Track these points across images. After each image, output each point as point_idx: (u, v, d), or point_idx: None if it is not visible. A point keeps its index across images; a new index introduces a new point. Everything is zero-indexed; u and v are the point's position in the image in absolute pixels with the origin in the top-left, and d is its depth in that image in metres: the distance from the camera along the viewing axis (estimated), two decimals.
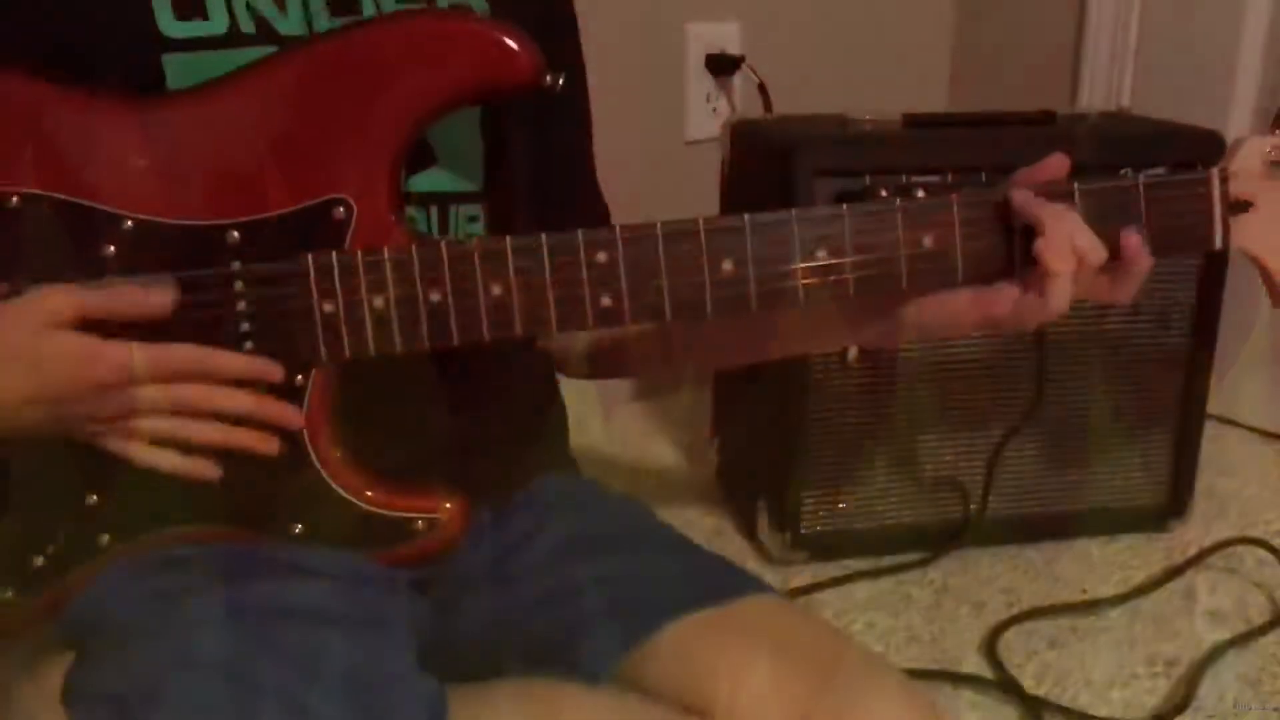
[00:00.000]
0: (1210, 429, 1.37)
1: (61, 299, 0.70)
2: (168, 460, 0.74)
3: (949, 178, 0.73)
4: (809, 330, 0.86)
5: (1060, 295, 0.73)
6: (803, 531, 1.28)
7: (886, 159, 1.16)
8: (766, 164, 1.21)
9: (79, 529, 0.76)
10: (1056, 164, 0.77)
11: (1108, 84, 1.69)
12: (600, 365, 0.97)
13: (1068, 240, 0.73)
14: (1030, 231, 0.74)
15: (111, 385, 0.70)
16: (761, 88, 1.68)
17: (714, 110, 1.73)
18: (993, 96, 1.85)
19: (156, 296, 0.72)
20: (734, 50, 1.71)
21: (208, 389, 0.73)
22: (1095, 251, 0.74)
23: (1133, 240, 0.75)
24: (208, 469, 0.75)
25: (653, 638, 0.77)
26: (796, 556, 1.29)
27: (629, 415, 1.76)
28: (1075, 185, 0.75)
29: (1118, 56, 1.67)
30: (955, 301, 0.77)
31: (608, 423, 1.73)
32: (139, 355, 0.71)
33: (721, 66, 1.71)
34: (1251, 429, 1.67)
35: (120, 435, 0.74)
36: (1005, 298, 0.75)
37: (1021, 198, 0.74)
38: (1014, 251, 0.75)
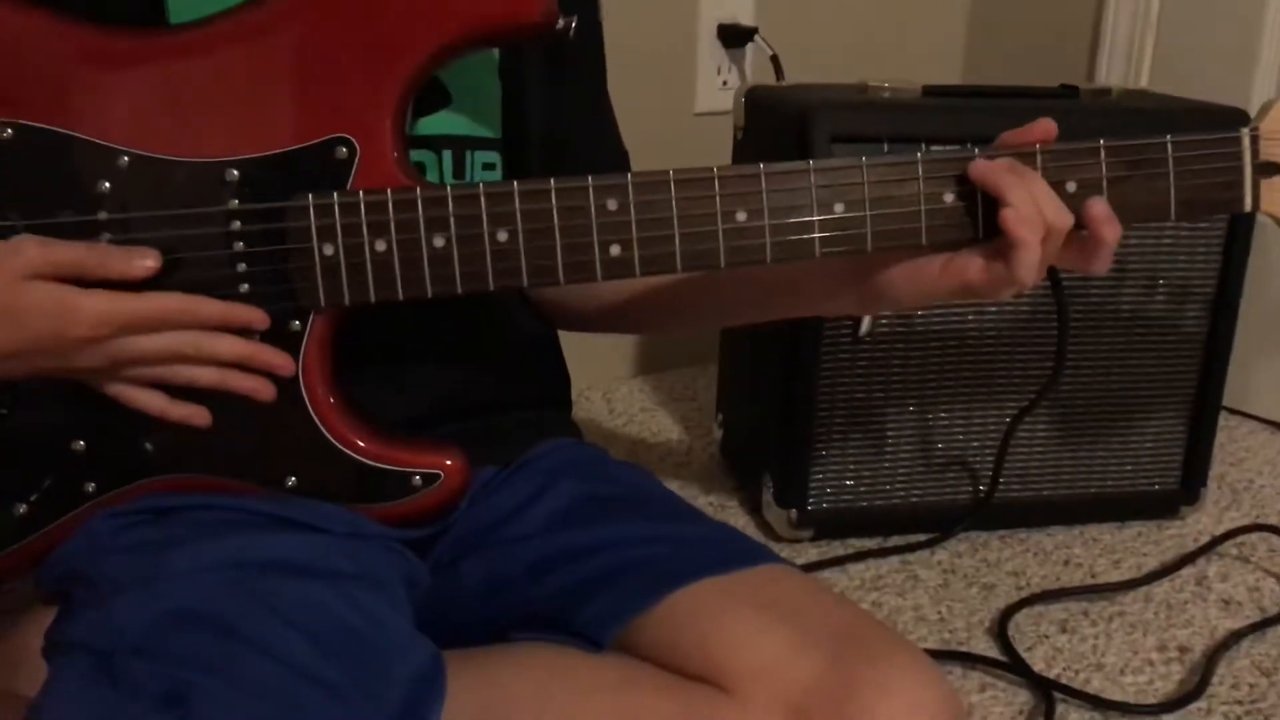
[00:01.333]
0: (1220, 420, 1.35)
1: (35, 251, 0.67)
2: (156, 403, 0.72)
3: (971, 148, 0.71)
4: (780, 294, 0.84)
5: (1026, 265, 0.71)
6: (809, 508, 1.25)
7: (906, 126, 1.13)
8: (782, 130, 1.18)
9: (63, 476, 0.74)
10: (1042, 129, 0.75)
11: (1126, 60, 1.66)
12: (611, 317, 0.94)
13: (1033, 207, 0.71)
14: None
15: (91, 339, 0.68)
16: (774, 59, 1.65)
17: (724, 83, 1.70)
18: (1008, 72, 1.83)
19: (140, 267, 0.69)
20: (747, 21, 1.68)
21: (195, 335, 0.71)
22: (1061, 218, 0.71)
23: (1098, 208, 0.72)
24: (198, 414, 0.72)
25: (660, 604, 0.74)
26: (802, 534, 1.27)
27: (630, 390, 1.74)
28: (1038, 147, 0.73)
29: (1138, 31, 1.64)
30: (928, 268, 0.75)
31: (610, 398, 1.71)
32: (118, 306, 0.68)
33: (733, 38, 1.68)
34: (1263, 420, 1.64)
35: (108, 378, 0.71)
36: (974, 265, 0.73)
37: (981, 168, 0.72)
38: (977, 219, 0.73)
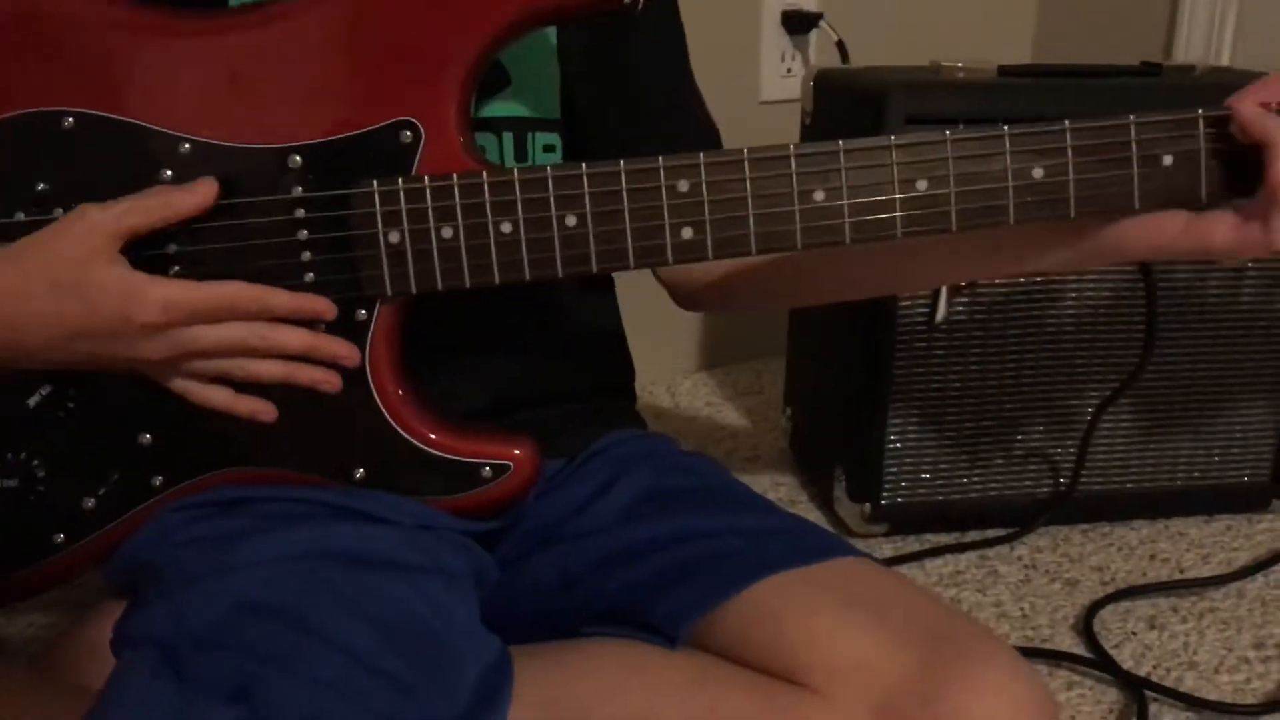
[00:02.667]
0: None
1: (97, 215, 0.66)
2: (222, 398, 0.70)
3: (1064, 123, 0.68)
4: (971, 251, 0.78)
5: None
6: (883, 502, 1.22)
7: (983, 107, 1.09)
8: (854, 113, 1.15)
9: (131, 469, 0.73)
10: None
11: (1207, 36, 1.60)
12: (725, 293, 0.90)
13: None
14: (1241, 156, 0.67)
15: (158, 326, 0.67)
16: (840, 45, 1.61)
17: (789, 71, 1.67)
18: (1080, 51, 1.77)
19: (199, 194, 0.69)
20: (811, 7, 1.65)
21: (260, 326, 0.69)
22: None
23: None
24: (264, 408, 0.71)
25: (736, 598, 0.72)
26: (876, 529, 1.23)
27: (696, 384, 1.71)
28: (1276, 104, 0.68)
29: (1219, 6, 1.57)
30: (1168, 226, 0.70)
31: (674, 392, 1.68)
32: (185, 294, 0.67)
33: (798, 24, 1.65)
34: None
35: (173, 372, 0.70)
36: (1223, 226, 0.69)
37: (1249, 112, 0.67)
38: (1227, 176, 0.68)
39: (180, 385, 0.71)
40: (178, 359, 0.69)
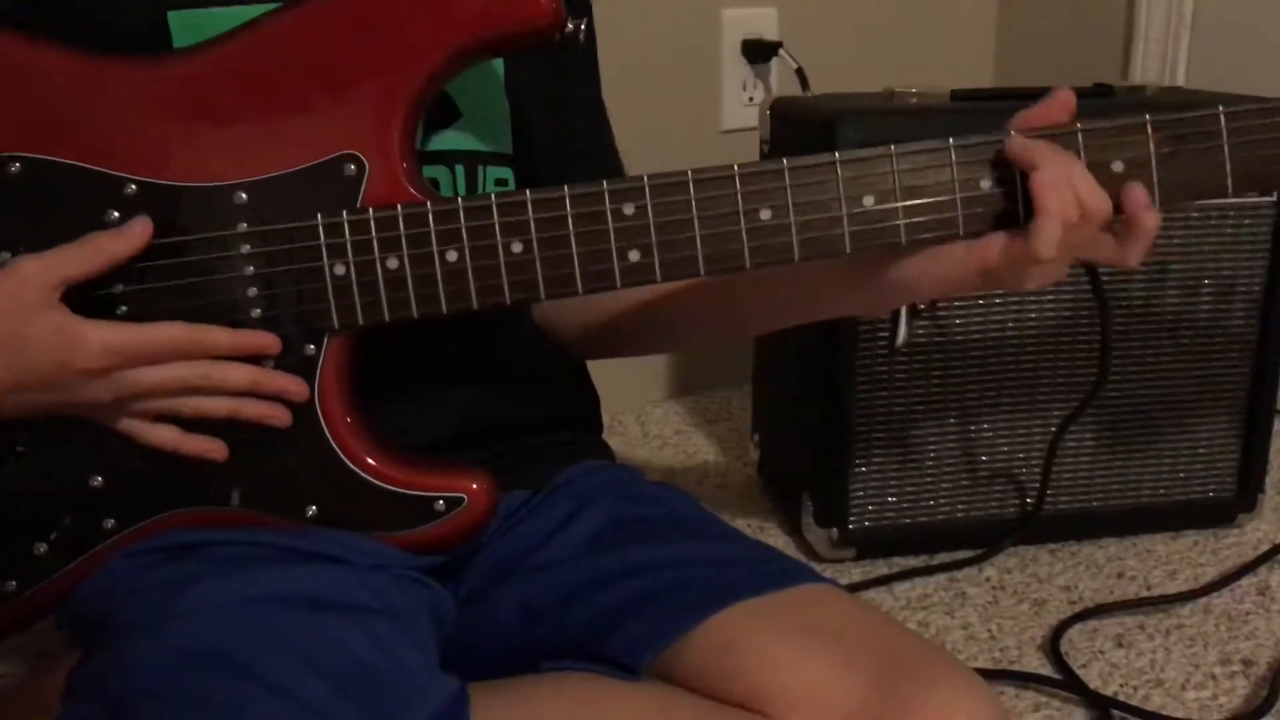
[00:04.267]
0: (1277, 423, 1.30)
1: (32, 266, 0.66)
2: (170, 437, 0.70)
3: (1006, 132, 0.69)
4: (794, 295, 0.80)
5: (1047, 236, 0.67)
6: (850, 527, 1.22)
7: (934, 132, 1.08)
8: (809, 140, 1.15)
9: (83, 513, 0.72)
10: (1062, 102, 0.71)
11: (1162, 58, 1.62)
12: (598, 337, 0.90)
13: (1064, 176, 0.67)
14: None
15: (100, 370, 0.67)
16: (799, 72, 1.63)
17: (750, 99, 1.68)
18: (1040, 74, 1.79)
19: (130, 237, 0.68)
20: (771, 36, 1.66)
21: (203, 365, 0.69)
22: (1097, 201, 0.68)
23: (1137, 192, 0.69)
24: (213, 447, 0.70)
25: (697, 628, 0.71)
26: (844, 553, 1.23)
27: (665, 413, 1.71)
28: (1079, 125, 0.69)
29: (1172, 28, 1.60)
30: (951, 251, 0.71)
31: (644, 420, 1.68)
32: (124, 338, 0.67)
33: (758, 53, 1.66)
34: None
35: (120, 414, 0.70)
36: (996, 244, 0.70)
37: (1017, 144, 0.69)
38: (1018, 204, 0.69)
39: (127, 426, 0.70)
40: (123, 400, 0.69)
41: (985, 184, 0.69)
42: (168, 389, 0.68)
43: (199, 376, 0.68)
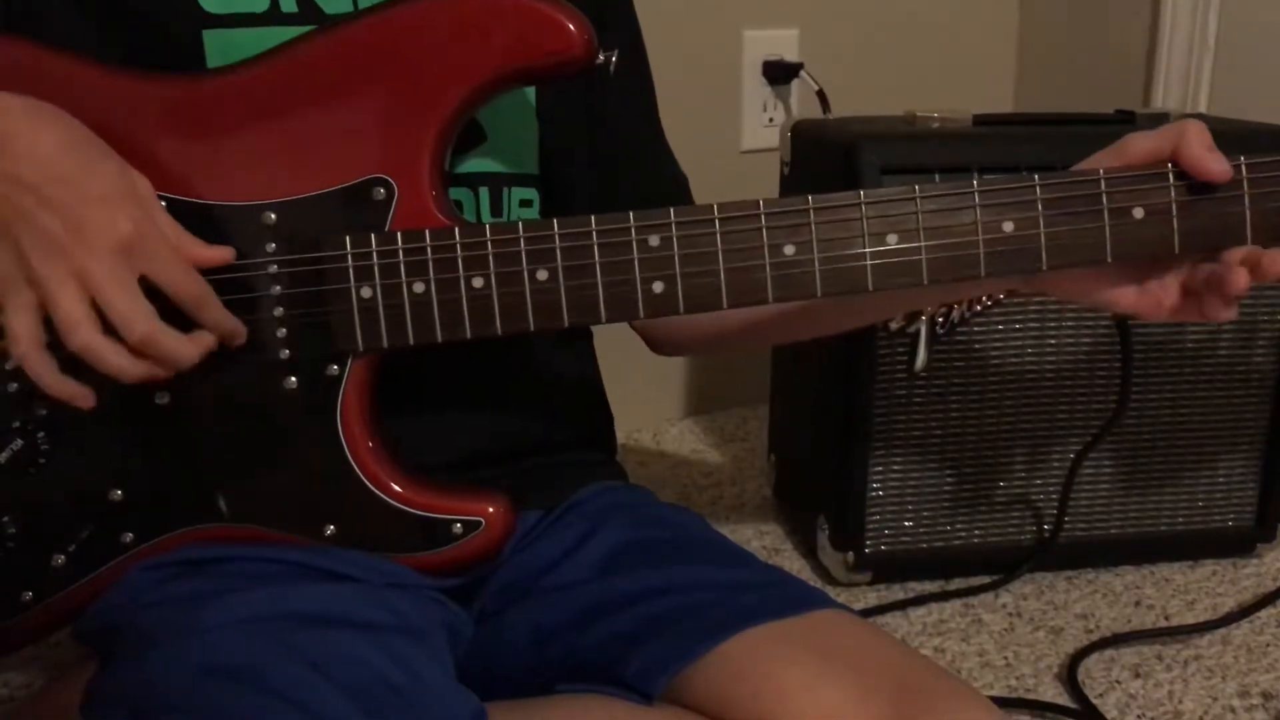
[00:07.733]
0: None
1: (147, 201, 0.67)
2: (42, 367, 0.65)
3: (1030, 175, 0.69)
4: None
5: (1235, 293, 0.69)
6: (866, 551, 1.21)
7: (957, 156, 1.10)
8: (830, 163, 1.16)
9: (102, 526, 0.73)
10: (1197, 134, 0.69)
11: (1184, 84, 1.61)
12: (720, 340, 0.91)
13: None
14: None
15: (118, 229, 0.65)
16: (820, 94, 1.63)
17: (770, 120, 1.68)
18: (1061, 100, 1.79)
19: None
20: (792, 57, 1.66)
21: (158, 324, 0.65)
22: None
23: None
24: (83, 394, 0.66)
25: (711, 653, 0.71)
26: (859, 578, 1.23)
27: (681, 432, 1.71)
28: (1243, 159, 0.69)
29: (1195, 55, 1.59)
30: (1121, 293, 0.73)
31: (660, 438, 1.68)
32: (169, 230, 0.68)
33: (779, 74, 1.66)
34: None
35: (34, 278, 0.64)
36: (1172, 294, 0.72)
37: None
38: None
39: (23, 300, 0.64)
40: (76, 275, 0.63)
41: (1009, 227, 0.69)
42: (110, 294, 0.63)
43: (144, 315, 0.64)
